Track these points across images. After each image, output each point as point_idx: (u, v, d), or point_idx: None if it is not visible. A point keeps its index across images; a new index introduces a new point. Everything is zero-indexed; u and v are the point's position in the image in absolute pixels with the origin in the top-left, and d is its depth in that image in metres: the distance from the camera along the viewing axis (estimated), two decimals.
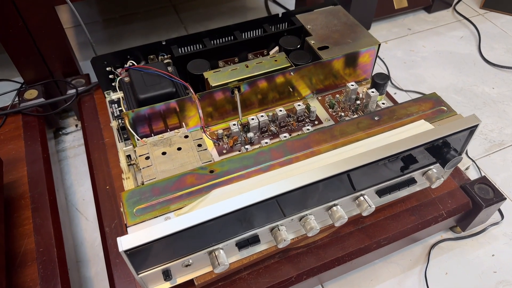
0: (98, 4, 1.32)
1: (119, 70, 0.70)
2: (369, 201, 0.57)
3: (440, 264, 0.74)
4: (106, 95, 0.73)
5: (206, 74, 0.66)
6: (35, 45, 0.81)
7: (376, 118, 0.58)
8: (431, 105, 0.60)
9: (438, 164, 0.60)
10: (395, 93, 1.04)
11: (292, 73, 0.67)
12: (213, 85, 0.64)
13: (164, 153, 0.56)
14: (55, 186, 0.76)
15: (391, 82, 1.07)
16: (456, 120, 0.56)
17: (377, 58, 0.84)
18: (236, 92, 0.65)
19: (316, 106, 0.72)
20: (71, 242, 0.75)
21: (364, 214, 0.57)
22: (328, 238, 0.65)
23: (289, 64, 0.68)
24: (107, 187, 0.71)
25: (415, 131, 0.55)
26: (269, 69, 0.67)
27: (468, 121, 0.56)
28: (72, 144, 0.94)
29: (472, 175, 0.87)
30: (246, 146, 0.62)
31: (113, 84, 0.72)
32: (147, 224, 0.46)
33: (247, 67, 0.67)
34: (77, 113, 0.92)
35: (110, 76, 0.72)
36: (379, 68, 1.10)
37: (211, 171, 0.51)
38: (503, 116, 0.99)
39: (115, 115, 0.69)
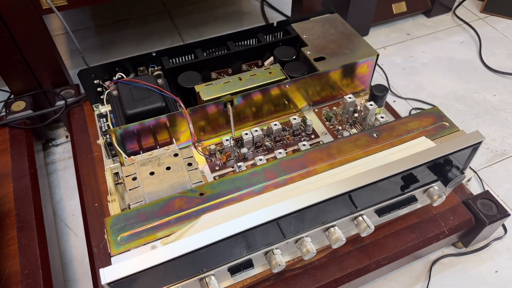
0: (91, 9, 1.30)
1: (107, 83, 0.68)
2: (368, 222, 0.54)
3: (441, 281, 0.71)
4: (95, 108, 0.70)
5: (198, 88, 0.63)
6: (22, 55, 0.78)
7: (374, 135, 0.55)
8: (432, 121, 0.57)
9: (439, 182, 0.57)
10: (394, 101, 1.02)
11: (287, 86, 0.65)
12: (204, 99, 0.62)
13: (152, 173, 0.53)
14: (43, 202, 0.73)
15: (390, 90, 1.04)
16: (459, 136, 0.54)
17: (376, 66, 0.82)
18: (229, 106, 0.62)
19: (313, 119, 0.69)
20: (59, 261, 0.72)
21: (363, 235, 0.55)
22: (326, 258, 0.62)
23: (284, 77, 0.65)
24: (96, 204, 0.68)
25: (416, 149, 0.52)
26: (263, 82, 0.64)
27: (471, 138, 0.53)
28: (62, 156, 0.91)
29: (474, 186, 0.85)
30: (239, 164, 0.59)
31: (101, 97, 0.69)
32: (132, 254, 0.43)
33: (241, 79, 0.65)
34: (67, 125, 0.89)
35: (99, 89, 0.69)
36: (377, 76, 1.07)
37: (201, 194, 0.48)
38: (505, 125, 0.96)
39: (103, 130, 0.66)
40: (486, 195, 0.69)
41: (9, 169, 0.73)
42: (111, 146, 0.63)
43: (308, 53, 0.69)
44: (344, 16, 1.11)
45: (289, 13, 1.22)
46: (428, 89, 1.05)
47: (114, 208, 0.51)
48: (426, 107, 1.00)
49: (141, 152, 0.60)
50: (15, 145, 0.77)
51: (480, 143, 0.54)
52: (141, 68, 0.69)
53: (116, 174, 0.60)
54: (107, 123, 0.66)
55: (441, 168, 0.54)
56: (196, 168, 0.54)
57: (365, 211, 0.55)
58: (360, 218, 0.55)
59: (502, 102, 1.01)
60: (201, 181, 0.53)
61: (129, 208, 0.50)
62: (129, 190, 0.52)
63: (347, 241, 0.61)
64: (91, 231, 0.65)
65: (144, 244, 0.44)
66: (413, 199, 0.59)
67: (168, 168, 0.54)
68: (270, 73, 0.66)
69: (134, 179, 0.53)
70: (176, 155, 0.56)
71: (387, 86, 1.04)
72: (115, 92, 0.65)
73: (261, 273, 0.55)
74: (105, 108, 0.69)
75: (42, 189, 0.75)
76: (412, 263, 0.73)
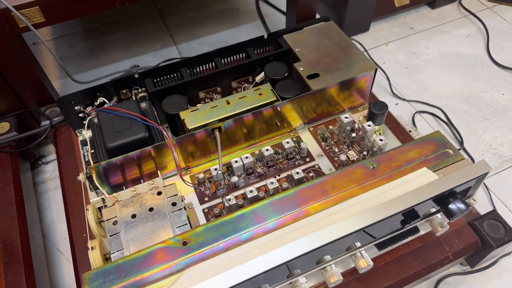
0: None
1: (89, 109, 0.64)
2: (367, 258, 0.51)
3: None
4: (78, 134, 0.67)
5: (183, 115, 0.59)
6: (1, 76, 0.74)
7: (372, 167, 0.51)
8: (434, 148, 0.53)
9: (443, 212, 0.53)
10: (396, 104, 0.97)
11: (279, 108, 0.60)
12: (190, 127, 0.58)
13: (134, 216, 0.50)
14: (31, 231, 0.70)
15: (392, 91, 0.99)
16: (463, 168, 0.50)
17: (377, 65, 0.77)
18: (217, 133, 0.58)
19: (308, 140, 0.65)
20: None
21: (361, 272, 0.52)
22: None
23: (275, 98, 0.61)
24: (84, 235, 0.65)
25: (417, 183, 0.48)
26: (253, 105, 0.60)
27: (476, 169, 0.49)
28: (53, 175, 0.88)
29: (481, 196, 0.81)
30: (228, 197, 0.55)
31: (84, 122, 0.66)
32: None
33: (228, 103, 0.60)
34: (54, 145, 0.86)
35: (81, 114, 0.66)
36: (379, 76, 1.02)
37: (184, 243, 0.45)
38: None
39: (86, 159, 0.63)
40: (493, 216, 0.65)
41: None
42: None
43: (301, 69, 0.64)
44: (343, 12, 1.05)
45: (285, 8, 1.16)
46: (433, 89, 0.99)
47: (94, 257, 0.48)
48: (431, 110, 0.95)
49: (123, 187, 0.56)
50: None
51: (486, 173, 0.49)
52: (124, 91, 0.65)
53: (101, 208, 0.57)
54: (92, 150, 0.63)
55: (445, 201, 0.50)
56: (181, 209, 0.50)
57: (363, 248, 0.51)
58: (358, 253, 0.51)
59: (511, 101, 0.96)
60: (186, 223, 0.49)
61: (110, 257, 0.47)
62: (110, 236, 0.48)
63: (346, 271, 0.58)
64: (79, 264, 0.62)
65: None
66: (415, 230, 0.55)
67: (151, 209, 0.50)
68: (260, 94, 0.61)
69: (115, 223, 0.50)
70: (159, 193, 0.52)
71: (389, 87, 0.99)
72: (96, 120, 0.61)
73: None
74: (88, 134, 0.65)
75: (30, 216, 0.73)
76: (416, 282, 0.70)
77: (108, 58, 1.10)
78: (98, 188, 0.59)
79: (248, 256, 0.43)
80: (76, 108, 0.64)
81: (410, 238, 0.57)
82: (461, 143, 0.88)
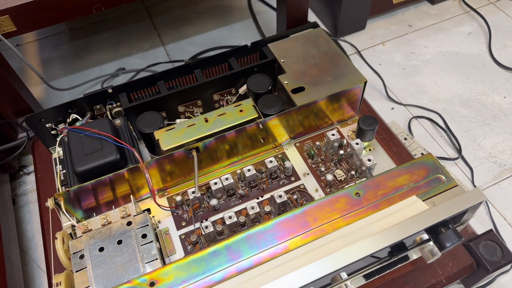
0: None
1: (60, 126, 0.60)
2: None
3: None
4: (52, 151, 0.63)
5: (157, 134, 0.55)
6: None
7: (356, 195, 0.47)
8: (425, 173, 0.49)
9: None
10: (392, 108, 0.92)
11: (261, 126, 0.56)
12: (164, 149, 0.54)
13: (101, 249, 0.47)
14: (7, 250, 0.67)
15: (387, 95, 0.94)
16: (456, 197, 0.46)
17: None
18: (194, 153, 0.55)
19: (293, 156, 0.61)
20: None
21: None
22: None
23: (257, 115, 0.57)
24: None
25: (405, 214, 0.45)
26: (232, 123, 0.56)
27: (470, 199, 0.45)
28: (35, 186, 0.84)
29: (479, 210, 0.76)
30: (205, 224, 0.52)
31: (57, 139, 0.62)
32: None
33: (207, 121, 0.56)
34: (33, 158, 0.82)
35: (53, 132, 0.62)
36: (375, 78, 0.97)
37: (152, 284, 0.42)
38: None
39: (61, 178, 0.59)
40: (490, 237, 0.61)
41: None
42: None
43: (286, 82, 0.60)
44: (337, 9, 1.00)
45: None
46: (431, 92, 0.95)
47: None
48: (428, 114, 0.90)
49: (94, 214, 0.53)
50: None
51: (480, 203, 0.45)
52: (98, 106, 0.61)
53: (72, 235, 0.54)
54: (64, 171, 0.59)
55: (436, 230, 0.46)
56: (151, 241, 0.47)
57: (350, 279, 0.48)
58: (343, 286, 0.48)
59: None
60: (156, 258, 0.46)
61: None
62: (76, 272, 0.45)
63: None
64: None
65: None
66: (404, 259, 0.51)
67: (119, 242, 0.47)
68: (241, 111, 0.57)
69: (82, 257, 0.46)
70: (129, 223, 0.49)
71: (384, 91, 0.94)
72: (67, 139, 0.58)
73: None
74: (61, 152, 0.61)
75: (7, 235, 0.70)
76: None
77: (93, 60, 1.06)
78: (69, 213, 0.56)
79: None
80: (47, 125, 0.60)
81: (399, 265, 0.54)
82: (459, 150, 0.84)
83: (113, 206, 0.54)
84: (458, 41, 1.04)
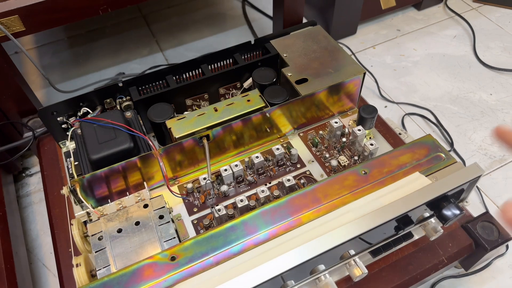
0: None
1: (72, 120, 0.62)
2: (361, 266, 0.49)
3: None
4: (62, 146, 0.64)
5: (169, 123, 0.58)
6: None
7: (363, 173, 0.50)
8: (426, 152, 0.52)
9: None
10: (385, 106, 0.96)
11: (268, 114, 0.59)
12: (177, 136, 0.56)
13: (120, 231, 0.48)
14: (15, 246, 0.68)
15: (380, 94, 0.98)
16: (456, 171, 0.49)
17: (365, 68, 0.76)
18: (205, 141, 0.57)
19: (298, 145, 0.64)
20: None
21: (356, 280, 0.50)
22: None
23: (264, 104, 0.60)
24: (70, 249, 0.63)
25: (410, 188, 0.47)
26: (241, 111, 0.59)
27: (469, 173, 0.48)
28: (38, 187, 0.85)
29: (472, 198, 0.80)
30: (218, 207, 0.54)
31: (67, 133, 0.64)
32: None
33: (216, 110, 0.59)
34: (38, 156, 0.83)
35: (64, 126, 0.63)
36: (367, 79, 1.01)
37: (173, 258, 0.43)
38: None
39: (70, 171, 0.61)
40: (486, 218, 0.64)
41: None
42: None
43: (289, 74, 0.63)
44: (330, 15, 1.05)
45: (271, 13, 1.15)
46: (421, 91, 0.99)
47: (80, 274, 0.46)
48: (420, 111, 0.94)
49: (109, 200, 0.54)
50: None
51: (479, 177, 0.49)
52: (108, 100, 0.63)
53: (86, 223, 0.55)
54: (76, 162, 0.61)
55: (438, 205, 0.49)
56: (168, 222, 0.49)
57: (357, 255, 0.50)
58: (352, 261, 0.50)
59: (499, 101, 0.96)
60: (174, 237, 0.48)
61: (95, 274, 0.45)
62: (95, 252, 0.47)
63: (341, 279, 0.57)
64: (65, 279, 0.60)
65: None
66: (409, 235, 0.54)
67: (137, 223, 0.49)
68: (248, 101, 0.60)
69: (100, 238, 0.48)
70: (146, 206, 0.50)
71: (377, 90, 0.98)
72: (79, 131, 0.59)
73: None
74: (72, 145, 0.63)
75: (13, 231, 0.70)
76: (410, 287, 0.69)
77: (93, 65, 1.08)
78: (82, 202, 0.57)
79: (240, 270, 0.41)
80: (58, 119, 0.62)
81: (404, 244, 0.56)
82: (451, 144, 0.88)
83: (127, 193, 0.56)
84: (444, 43, 1.10)
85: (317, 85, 0.61)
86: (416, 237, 0.57)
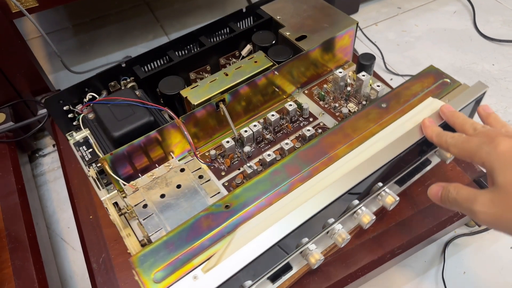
0: (67, 9, 1.40)
1: (79, 107, 0.71)
2: (392, 194, 0.62)
3: (456, 263, 0.81)
4: (69, 137, 0.73)
5: (184, 93, 0.69)
6: None
7: (383, 106, 0.63)
8: (433, 80, 0.67)
9: None
10: (391, 79, 1.15)
11: (276, 72, 0.71)
12: (195, 103, 0.67)
13: (163, 196, 0.58)
14: (35, 218, 0.80)
15: (385, 67, 1.17)
16: (464, 91, 0.63)
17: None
18: (222, 105, 0.68)
19: (306, 102, 0.76)
20: (57, 279, 0.79)
21: (390, 208, 0.62)
22: (337, 254, 0.68)
23: (271, 63, 0.72)
24: (91, 217, 0.74)
25: (428, 111, 0.61)
26: (251, 73, 0.71)
27: (476, 90, 0.64)
28: (51, 167, 0.99)
29: None
30: (249, 164, 0.65)
31: (74, 123, 0.72)
32: None
33: (227, 75, 0.71)
34: (52, 134, 0.97)
35: (70, 115, 0.73)
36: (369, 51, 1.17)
37: (227, 207, 0.54)
38: (506, 94, 1.11)
39: (87, 159, 0.69)
40: None
41: None
42: (101, 174, 0.66)
43: (288, 33, 0.77)
44: None
45: None
46: (425, 63, 1.19)
47: (132, 243, 0.54)
48: None
49: (140, 174, 0.63)
50: None
51: (484, 93, 0.62)
52: (112, 83, 0.74)
53: (115, 204, 0.63)
54: (89, 150, 0.69)
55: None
56: (209, 180, 0.59)
57: (386, 186, 0.61)
58: (383, 192, 0.62)
59: (501, 71, 1.16)
60: (219, 192, 0.58)
61: (148, 240, 0.54)
62: (143, 220, 0.56)
63: (359, 233, 0.69)
64: (88, 246, 0.70)
65: (183, 276, 0.47)
66: (427, 162, 0.68)
67: (178, 186, 0.58)
68: (255, 62, 0.72)
69: (145, 206, 0.57)
70: (182, 170, 0.60)
71: (383, 63, 1.14)
72: (91, 115, 0.69)
73: (298, 271, 0.60)
74: (80, 135, 0.72)
75: (32, 205, 0.82)
76: (425, 247, 0.82)
77: (99, 51, 1.26)
78: (108, 183, 0.65)
79: (294, 205, 0.52)
80: (65, 108, 0.71)
81: (424, 171, 0.69)
82: None
83: (152, 167, 0.65)
84: (445, 19, 1.33)
85: (316, 39, 0.76)
86: (433, 163, 0.71)
